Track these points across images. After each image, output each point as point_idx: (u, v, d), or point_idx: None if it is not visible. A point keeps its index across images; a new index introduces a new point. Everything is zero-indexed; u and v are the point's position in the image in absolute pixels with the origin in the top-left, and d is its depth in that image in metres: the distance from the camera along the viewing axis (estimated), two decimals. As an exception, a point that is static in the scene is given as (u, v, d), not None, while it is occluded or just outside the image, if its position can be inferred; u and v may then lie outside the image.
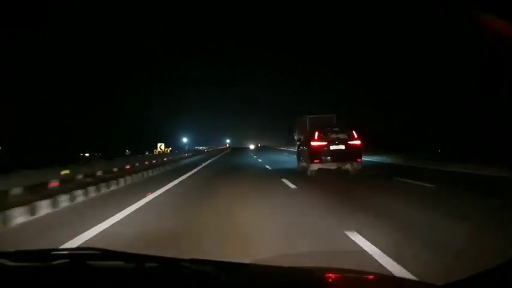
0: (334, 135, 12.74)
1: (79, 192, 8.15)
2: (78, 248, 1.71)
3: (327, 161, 12.48)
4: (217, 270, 1.26)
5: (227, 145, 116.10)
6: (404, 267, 3.27)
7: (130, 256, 1.38)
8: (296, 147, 17.02)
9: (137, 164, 14.70)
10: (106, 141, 64.17)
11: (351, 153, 12.43)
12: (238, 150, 72.30)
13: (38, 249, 1.55)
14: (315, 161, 12.49)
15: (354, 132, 12.81)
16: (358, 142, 12.66)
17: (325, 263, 2.40)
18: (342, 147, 12.49)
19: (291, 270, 1.50)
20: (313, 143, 12.61)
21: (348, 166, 12.69)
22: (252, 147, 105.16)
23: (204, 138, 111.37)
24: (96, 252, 1.39)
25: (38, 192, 6.97)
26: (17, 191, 6.44)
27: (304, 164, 13.68)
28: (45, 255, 1.46)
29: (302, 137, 15.39)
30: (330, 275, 1.52)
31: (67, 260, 1.37)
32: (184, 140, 61.20)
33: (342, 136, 12.70)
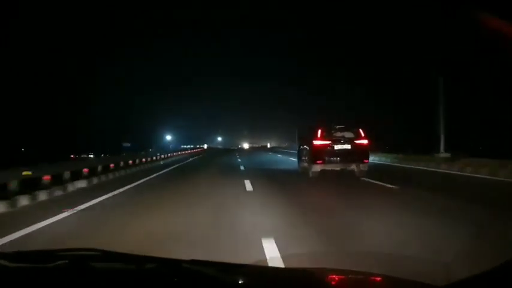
0: (339, 134, 11.69)
1: None
2: (78, 249, 1.39)
3: (330, 162, 11.45)
4: (217, 271, 1.29)
5: (205, 146, 77.13)
6: None
7: (130, 257, 1.43)
8: None
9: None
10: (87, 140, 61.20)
11: (357, 154, 11.39)
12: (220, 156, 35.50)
13: (38, 250, 1.64)
14: (318, 161, 11.44)
15: (360, 130, 11.77)
16: (365, 141, 11.62)
17: None
18: (348, 146, 11.45)
19: (290, 271, 1.57)
20: (316, 142, 11.57)
21: (353, 167, 11.68)
22: (246, 146, 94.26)
23: (197, 136, 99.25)
24: (97, 253, 1.41)
25: None
26: None
27: (305, 164, 12.64)
28: (46, 256, 1.50)
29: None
30: (329, 275, 1.50)
31: (67, 261, 1.35)
32: (168, 137, 57.50)
33: (347, 135, 11.65)
